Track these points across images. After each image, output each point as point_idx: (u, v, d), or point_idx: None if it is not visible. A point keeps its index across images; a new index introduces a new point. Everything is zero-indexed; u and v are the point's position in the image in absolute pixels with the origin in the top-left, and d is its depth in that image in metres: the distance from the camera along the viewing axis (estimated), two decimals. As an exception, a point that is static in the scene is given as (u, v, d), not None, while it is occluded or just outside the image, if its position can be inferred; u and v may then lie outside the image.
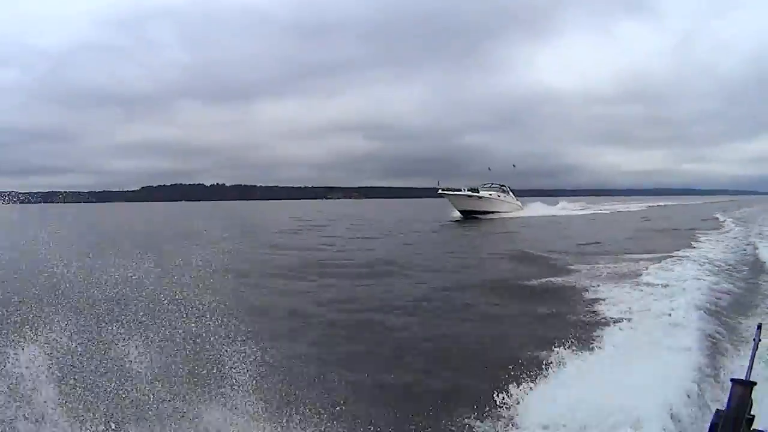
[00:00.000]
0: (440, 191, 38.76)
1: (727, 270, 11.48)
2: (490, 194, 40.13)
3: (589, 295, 9.24)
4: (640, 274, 10.75)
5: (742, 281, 10.37)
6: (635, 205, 61.33)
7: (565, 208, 47.76)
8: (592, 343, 5.97)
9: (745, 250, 15.13)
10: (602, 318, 7.56)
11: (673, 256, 13.27)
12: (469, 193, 38.86)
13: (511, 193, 43.05)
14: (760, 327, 2.23)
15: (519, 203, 43.71)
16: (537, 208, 44.16)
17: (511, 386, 4.76)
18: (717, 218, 31.05)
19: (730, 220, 28.88)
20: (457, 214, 38.85)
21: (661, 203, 73.41)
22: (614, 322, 7.02)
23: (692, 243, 17.09)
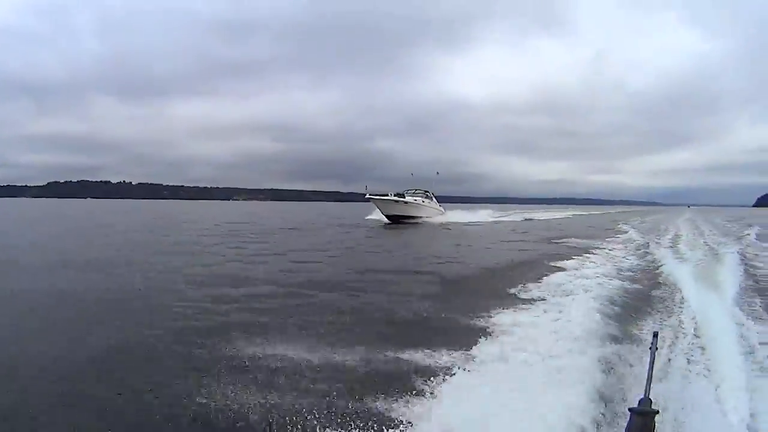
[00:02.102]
0: (368, 196, 39.02)
1: (625, 277, 11.70)
2: (415, 200, 41.22)
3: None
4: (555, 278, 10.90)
5: (639, 288, 10.37)
6: (559, 213, 64.33)
7: (485, 215, 50.08)
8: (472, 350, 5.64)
9: (643, 257, 16.01)
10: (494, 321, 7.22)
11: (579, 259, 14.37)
12: (396, 198, 39.58)
13: (434, 198, 44.53)
14: (656, 336, 2.29)
15: (442, 209, 45.42)
16: (457, 215, 46.02)
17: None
18: (621, 227, 33.64)
19: (632, 228, 31.50)
20: (383, 219, 39.32)
21: (582, 212, 77.00)
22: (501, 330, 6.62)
23: (594, 250, 17.71)
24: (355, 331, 6.79)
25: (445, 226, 36.19)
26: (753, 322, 7.06)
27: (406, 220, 39.16)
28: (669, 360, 5.63)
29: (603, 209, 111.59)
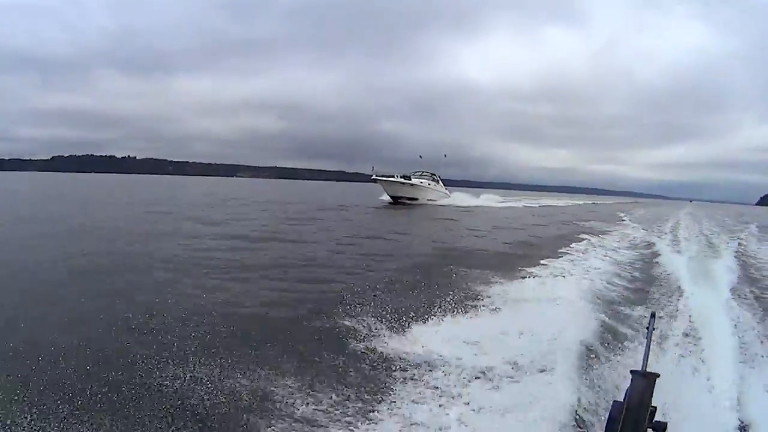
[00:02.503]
0: (374, 177, 39.29)
1: (625, 262, 12.46)
2: (421, 182, 41.55)
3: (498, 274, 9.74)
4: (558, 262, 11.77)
5: (639, 272, 11.21)
6: (562, 201, 64.24)
7: (488, 199, 50.22)
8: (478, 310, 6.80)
9: (643, 245, 16.46)
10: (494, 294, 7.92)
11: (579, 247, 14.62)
12: (402, 180, 39.90)
13: (441, 182, 44.82)
14: (653, 316, 2.27)
15: (447, 192, 45.59)
16: (462, 198, 46.31)
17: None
18: (622, 217, 33.72)
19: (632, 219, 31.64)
20: (387, 198, 39.77)
21: (587, 201, 76.27)
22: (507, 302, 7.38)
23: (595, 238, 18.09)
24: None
25: (454, 210, 36.19)
26: (747, 313, 7.42)
27: (411, 202, 39.44)
28: (662, 348, 5.80)
29: (604, 199, 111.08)
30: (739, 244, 18.42)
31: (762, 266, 13.07)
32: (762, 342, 6.15)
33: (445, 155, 49.06)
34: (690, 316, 7.18)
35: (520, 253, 13.60)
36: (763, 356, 5.67)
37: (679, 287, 9.39)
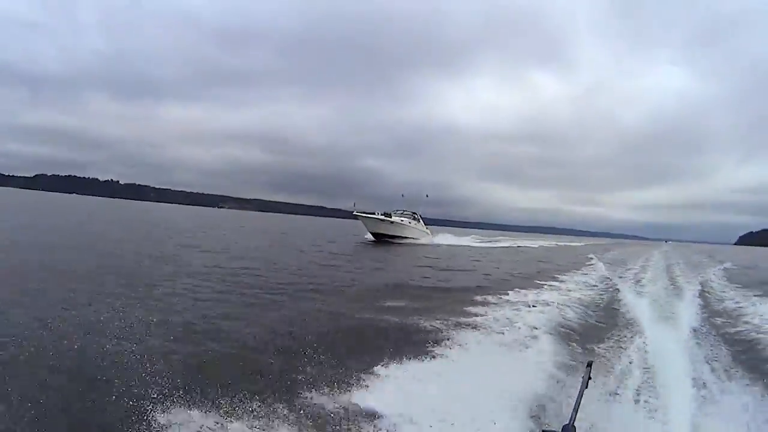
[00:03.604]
0: (355, 213, 39.89)
1: (583, 306, 11.97)
2: (402, 220, 42.25)
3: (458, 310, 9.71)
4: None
5: (594, 315, 10.88)
6: (539, 242, 63.22)
7: (467, 240, 51.02)
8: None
9: (605, 288, 16.25)
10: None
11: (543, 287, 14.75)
12: (382, 217, 40.58)
13: (421, 220, 45.59)
14: (590, 365, 2.29)
15: (428, 231, 46.30)
16: (446, 238, 47.05)
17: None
18: (590, 258, 33.30)
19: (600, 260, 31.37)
20: (369, 236, 40.25)
21: (567, 242, 75.04)
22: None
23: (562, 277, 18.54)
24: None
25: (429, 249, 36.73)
26: (704, 358, 7.43)
27: (392, 239, 40.06)
28: (616, 391, 5.80)
29: (583, 240, 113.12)
30: (703, 284, 18.54)
31: (723, 306, 13.18)
32: (719, 381, 6.26)
33: (427, 195, 49.99)
34: (646, 361, 7.15)
35: (474, 297, 12.52)
36: (719, 394, 5.77)
37: (639, 330, 9.32)
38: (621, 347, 8.05)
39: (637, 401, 5.56)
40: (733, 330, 9.85)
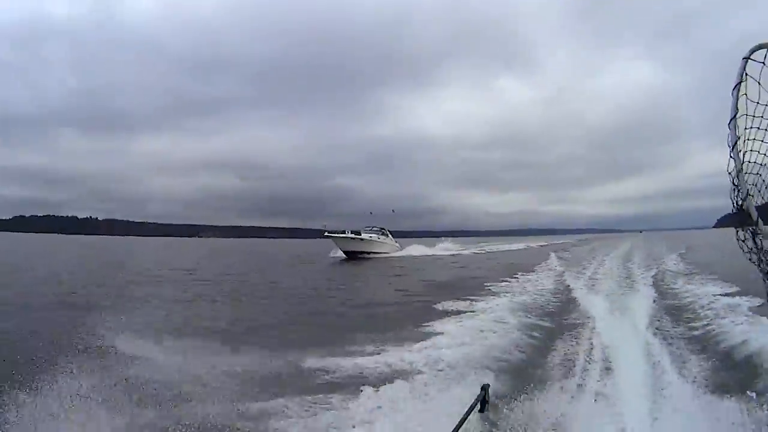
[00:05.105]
0: (326, 233, 41.43)
1: (540, 304, 12.16)
2: (371, 236, 43.97)
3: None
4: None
5: (552, 316, 10.82)
6: (516, 245, 63.59)
7: (445, 249, 51.72)
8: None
9: (560, 285, 16.30)
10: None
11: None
12: (352, 235, 42.26)
13: (390, 235, 47.41)
14: (485, 388, 2.21)
15: (398, 244, 48.05)
16: (416, 249, 48.78)
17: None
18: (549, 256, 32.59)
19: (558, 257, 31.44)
20: (340, 254, 41.80)
21: (540, 243, 74.32)
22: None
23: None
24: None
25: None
26: (662, 346, 7.57)
27: (363, 255, 41.43)
28: (579, 386, 5.91)
29: (558, 238, 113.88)
30: (657, 272, 18.91)
31: (676, 293, 13.23)
32: (674, 370, 6.35)
33: (393, 210, 52.54)
34: (603, 350, 7.29)
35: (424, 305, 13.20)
36: (672, 383, 5.84)
37: (594, 326, 9.29)
38: (578, 343, 8.10)
39: (594, 397, 5.61)
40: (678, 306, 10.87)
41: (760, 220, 2.09)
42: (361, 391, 5.81)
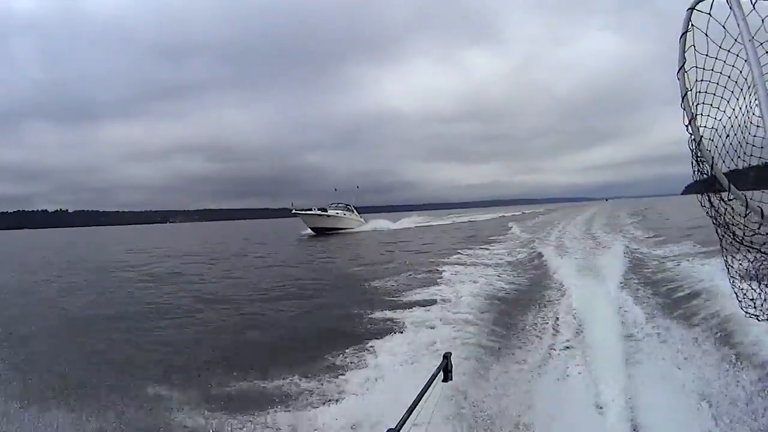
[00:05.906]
0: (294, 211, 43.13)
1: (508, 272, 11.91)
2: (337, 213, 45.80)
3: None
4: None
5: (521, 283, 10.53)
6: (486, 215, 63.21)
7: (406, 222, 52.57)
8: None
9: (528, 252, 16.07)
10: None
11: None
12: (319, 212, 44.05)
13: (355, 210, 49.22)
14: (447, 357, 2.18)
15: (362, 219, 49.68)
16: (379, 224, 50.71)
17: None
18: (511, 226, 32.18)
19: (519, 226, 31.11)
20: (308, 231, 43.61)
21: (513, 212, 73.30)
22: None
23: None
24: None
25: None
26: (635, 306, 7.42)
27: (330, 232, 42.60)
28: (550, 353, 5.77)
29: (527, 208, 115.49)
30: (624, 236, 19.46)
31: (644, 257, 13.01)
32: (648, 336, 6.12)
33: (358, 186, 54.68)
34: (575, 320, 6.96)
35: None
36: (647, 352, 5.57)
37: (565, 290, 9.07)
38: (549, 308, 7.98)
39: (567, 362, 5.46)
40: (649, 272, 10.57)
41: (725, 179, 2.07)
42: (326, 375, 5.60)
